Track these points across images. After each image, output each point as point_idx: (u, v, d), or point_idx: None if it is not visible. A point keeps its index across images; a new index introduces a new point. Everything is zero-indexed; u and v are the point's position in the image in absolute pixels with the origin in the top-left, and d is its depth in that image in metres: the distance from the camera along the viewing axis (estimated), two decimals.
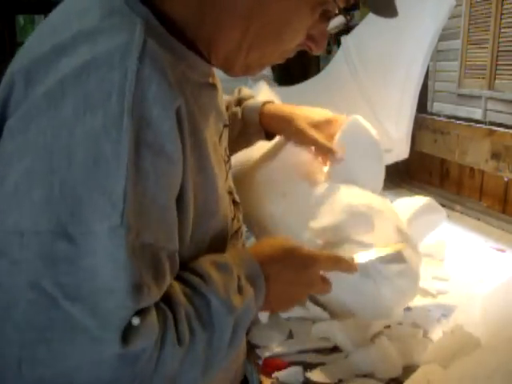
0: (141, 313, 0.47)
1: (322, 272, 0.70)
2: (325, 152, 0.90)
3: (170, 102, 0.49)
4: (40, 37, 0.56)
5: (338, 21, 0.62)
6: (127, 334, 0.46)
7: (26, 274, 0.45)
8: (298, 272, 0.66)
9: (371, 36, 1.64)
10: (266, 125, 0.91)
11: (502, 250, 1.33)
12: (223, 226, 0.64)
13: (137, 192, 0.47)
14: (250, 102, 0.92)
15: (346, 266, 0.72)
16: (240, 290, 0.58)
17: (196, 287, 0.55)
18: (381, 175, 0.92)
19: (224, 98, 0.92)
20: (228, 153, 0.72)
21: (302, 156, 0.94)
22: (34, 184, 0.46)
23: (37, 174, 0.46)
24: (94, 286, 0.45)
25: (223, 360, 0.58)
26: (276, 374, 0.81)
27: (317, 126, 0.90)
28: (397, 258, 0.82)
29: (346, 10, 0.61)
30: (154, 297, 0.50)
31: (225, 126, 0.69)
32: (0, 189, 0.47)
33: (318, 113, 0.92)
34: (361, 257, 0.77)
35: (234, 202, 0.73)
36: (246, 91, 0.95)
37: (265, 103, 0.92)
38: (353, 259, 0.74)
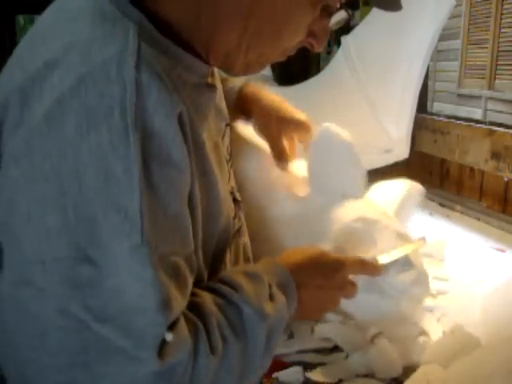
0: (172, 326, 0.47)
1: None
2: (276, 156, 0.87)
3: (172, 108, 0.48)
4: (31, 48, 0.53)
5: (339, 16, 0.60)
6: (162, 349, 0.46)
7: (53, 301, 0.45)
8: (328, 277, 0.66)
9: (371, 36, 1.65)
10: (240, 106, 0.85)
11: (502, 250, 1.33)
12: (225, 226, 0.64)
13: (150, 206, 0.45)
14: (229, 85, 0.86)
15: (372, 268, 0.73)
16: (272, 297, 0.58)
17: (227, 297, 0.55)
18: (360, 179, 0.90)
19: None
20: (230, 151, 0.71)
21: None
22: (47, 210, 0.44)
23: (48, 199, 0.44)
24: (122, 305, 0.45)
25: (258, 368, 0.57)
26: (276, 374, 0.81)
27: (283, 122, 0.85)
28: (405, 263, 0.82)
29: (347, 5, 0.59)
30: (181, 306, 0.49)
31: (227, 124, 0.68)
32: (11, 217, 0.46)
33: (291, 111, 0.87)
34: (383, 259, 0.76)
35: (235, 200, 0.72)
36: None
37: (245, 85, 0.87)
38: (377, 261, 0.75)
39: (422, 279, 0.84)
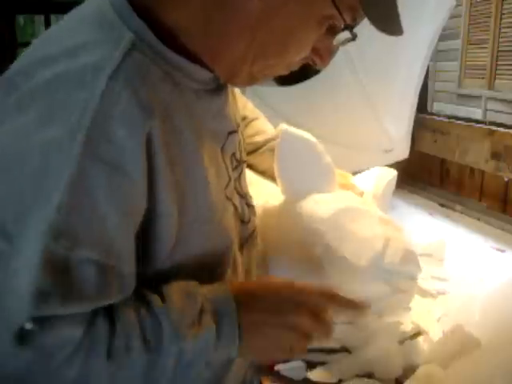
0: (51, 319, 0.47)
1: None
2: None
3: (139, 123, 0.49)
4: (34, 49, 0.57)
5: (343, 36, 0.61)
6: (25, 335, 0.46)
7: None
8: (284, 314, 0.57)
9: (371, 36, 1.64)
10: None
11: (502, 250, 1.33)
12: (224, 233, 0.63)
13: (83, 205, 0.47)
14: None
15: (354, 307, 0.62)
16: (199, 322, 0.54)
17: (151, 305, 0.53)
18: (329, 174, 0.90)
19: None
20: (240, 157, 0.71)
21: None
22: None
23: None
24: (9, 284, 0.46)
25: None
26: (278, 367, 0.81)
27: None
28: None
29: (352, 27, 0.60)
30: (74, 309, 0.48)
31: (232, 132, 0.68)
32: None
33: None
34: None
35: (248, 205, 0.73)
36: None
37: None
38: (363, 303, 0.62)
39: (410, 257, 0.84)
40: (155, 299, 0.54)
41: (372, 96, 1.60)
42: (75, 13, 0.58)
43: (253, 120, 0.97)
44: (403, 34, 0.61)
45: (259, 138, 0.97)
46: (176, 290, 0.56)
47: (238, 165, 0.70)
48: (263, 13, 0.55)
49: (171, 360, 0.52)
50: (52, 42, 0.55)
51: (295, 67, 0.64)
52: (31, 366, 0.47)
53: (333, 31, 0.60)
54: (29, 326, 0.47)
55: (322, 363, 0.84)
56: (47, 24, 2.71)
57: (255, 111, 0.99)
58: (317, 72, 1.83)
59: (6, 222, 0.47)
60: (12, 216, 0.47)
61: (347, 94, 1.63)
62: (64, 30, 0.56)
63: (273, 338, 0.58)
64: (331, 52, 0.63)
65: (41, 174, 0.47)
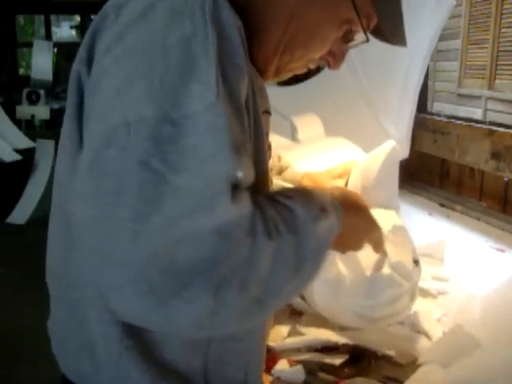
0: (239, 191, 0.51)
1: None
2: None
3: (238, 26, 0.55)
4: None
5: (358, 40, 0.67)
6: (234, 193, 0.50)
7: (136, 156, 0.51)
8: (365, 226, 0.72)
9: (371, 36, 1.65)
10: None
11: (502, 250, 1.33)
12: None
13: (229, 69, 0.53)
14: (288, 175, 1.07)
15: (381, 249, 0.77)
16: (323, 209, 0.61)
17: (279, 201, 0.59)
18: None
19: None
20: (269, 142, 0.74)
21: None
22: (136, 82, 0.53)
23: (137, 74, 0.53)
24: (198, 155, 0.51)
25: (311, 272, 0.60)
26: (278, 374, 0.81)
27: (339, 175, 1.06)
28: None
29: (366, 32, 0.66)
30: (247, 175, 0.53)
31: (266, 111, 0.71)
32: (97, 96, 0.55)
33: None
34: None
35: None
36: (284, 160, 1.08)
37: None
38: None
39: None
40: (280, 197, 0.59)
41: (372, 96, 1.60)
42: None
43: None
44: (407, 46, 0.67)
45: None
46: (292, 189, 0.64)
47: (268, 148, 0.73)
48: (298, 5, 0.61)
49: (314, 239, 0.58)
50: None
51: (313, 66, 0.69)
52: (220, 242, 0.50)
53: (348, 38, 0.66)
54: (240, 174, 0.51)
55: (323, 363, 0.84)
56: (47, 24, 2.71)
57: None
58: (317, 72, 1.83)
59: (165, 110, 0.51)
60: (169, 104, 0.51)
61: (347, 94, 1.63)
62: None
63: (354, 236, 0.71)
64: (344, 57, 0.68)
65: (186, 62, 0.52)
